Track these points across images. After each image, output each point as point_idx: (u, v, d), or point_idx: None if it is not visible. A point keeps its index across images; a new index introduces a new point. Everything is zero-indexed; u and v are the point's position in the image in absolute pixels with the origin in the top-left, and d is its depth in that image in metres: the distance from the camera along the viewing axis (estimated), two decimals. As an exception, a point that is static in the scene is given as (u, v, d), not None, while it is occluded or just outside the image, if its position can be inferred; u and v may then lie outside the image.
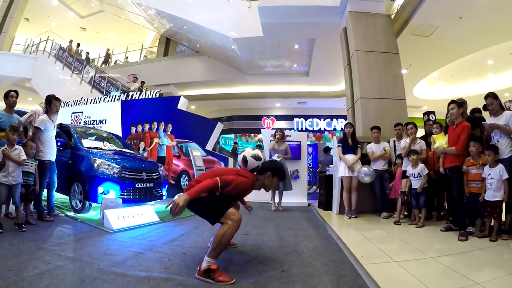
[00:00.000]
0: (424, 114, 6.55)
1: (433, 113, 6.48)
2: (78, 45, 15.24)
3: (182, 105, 8.54)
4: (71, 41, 15.28)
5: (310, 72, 12.55)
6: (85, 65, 13.05)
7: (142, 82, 12.06)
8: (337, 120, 16.65)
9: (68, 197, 5.00)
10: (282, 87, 14.51)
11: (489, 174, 3.46)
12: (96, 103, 9.77)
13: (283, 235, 3.91)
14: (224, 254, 2.69)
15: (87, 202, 4.67)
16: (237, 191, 2.53)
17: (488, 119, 3.81)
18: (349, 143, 5.42)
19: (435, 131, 4.32)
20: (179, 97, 8.62)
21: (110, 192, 4.66)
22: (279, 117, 16.69)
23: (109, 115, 9.13)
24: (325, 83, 13.60)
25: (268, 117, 16.73)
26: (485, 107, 4.03)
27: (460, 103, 3.96)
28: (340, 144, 5.49)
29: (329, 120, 16.69)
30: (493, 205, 3.41)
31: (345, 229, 4.28)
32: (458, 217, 3.75)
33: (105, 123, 9.09)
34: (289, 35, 9.56)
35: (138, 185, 5.03)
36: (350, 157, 5.28)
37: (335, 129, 16.60)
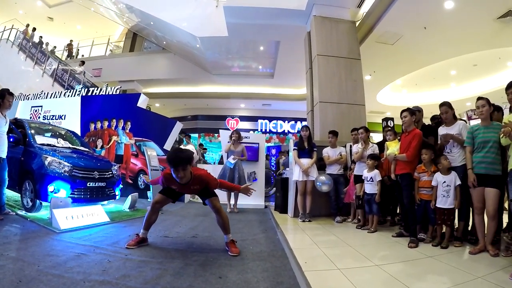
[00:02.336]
0: (383, 120, 6.52)
1: (392, 119, 6.46)
2: (34, 29, 14.15)
3: (142, 102, 8.02)
4: (27, 25, 14.21)
5: (275, 74, 12.37)
6: (48, 57, 12.11)
7: (82, 62, 11.49)
8: (301, 122, 16.58)
9: (19, 195, 4.76)
10: (247, 88, 14.24)
11: (444, 182, 3.39)
12: (56, 97, 9.10)
13: (233, 237, 3.62)
14: (165, 257, 2.77)
15: (37, 200, 4.41)
16: (169, 186, 3.06)
17: (441, 128, 3.71)
18: (305, 147, 5.22)
19: (389, 138, 4.21)
20: (139, 94, 8.13)
21: (60, 191, 4.42)
22: (243, 118, 16.42)
23: (68, 111, 8.51)
24: (289, 85, 13.49)
25: (233, 118, 16.39)
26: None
27: (412, 111, 3.86)
28: (295, 147, 5.29)
29: (293, 122, 16.64)
30: (447, 212, 3.36)
31: (295, 233, 4.11)
32: (409, 223, 3.62)
33: (64, 119, 8.46)
34: (255, 36, 9.30)
35: (89, 184, 4.80)
36: (305, 161, 5.10)
37: (298, 131, 16.59)
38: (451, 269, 2.61)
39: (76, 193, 4.58)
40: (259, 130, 15.96)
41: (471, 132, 3.25)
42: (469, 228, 3.56)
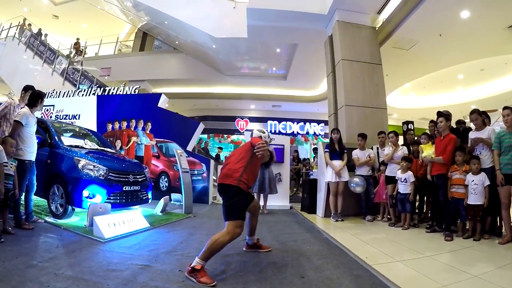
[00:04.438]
0: (403, 123, 6.95)
1: (412, 122, 6.88)
2: (30, 25, 14.46)
3: (163, 103, 8.25)
4: (24, 19, 14.50)
5: (288, 76, 12.77)
6: (58, 55, 12.30)
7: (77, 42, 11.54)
8: (310, 124, 17.10)
9: (45, 201, 4.56)
10: (258, 89, 14.61)
11: (473, 181, 3.87)
12: (69, 96, 9.11)
13: (281, 239, 3.97)
14: (238, 259, 2.82)
15: (69, 206, 4.24)
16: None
17: (472, 133, 4.23)
18: (336, 149, 5.57)
19: (423, 141, 4.62)
20: (160, 94, 8.33)
21: (96, 196, 4.28)
22: (253, 119, 16.76)
23: (83, 110, 8.57)
24: (301, 87, 13.92)
25: (242, 118, 16.77)
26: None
27: (447, 116, 4.31)
28: (327, 150, 5.62)
29: (302, 123, 17.08)
30: (475, 209, 3.83)
31: (338, 232, 4.43)
32: (443, 219, 4.13)
33: (78, 119, 8.52)
34: (273, 38, 9.66)
35: (125, 188, 4.68)
36: (337, 163, 5.44)
37: (307, 132, 17.04)
38: (489, 257, 3.17)
39: (112, 198, 4.45)
40: (269, 131, 16.21)
41: (498, 137, 3.79)
42: (497, 223, 4.13)
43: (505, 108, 3.78)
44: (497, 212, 3.96)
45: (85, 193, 4.21)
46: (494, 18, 6.89)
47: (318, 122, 17.03)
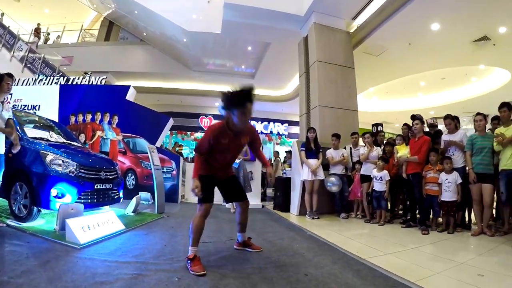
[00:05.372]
0: (373, 125, 7.35)
1: (381, 125, 7.32)
2: None
3: (131, 95, 7.86)
4: None
5: (256, 75, 12.86)
6: (18, 39, 11.26)
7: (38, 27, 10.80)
8: (274, 123, 17.32)
9: (6, 201, 4.05)
10: (225, 87, 14.23)
11: (447, 179, 4.26)
12: (29, 84, 8.50)
13: (267, 238, 3.94)
14: (234, 265, 2.71)
15: (34, 208, 3.77)
16: (217, 142, 2.63)
17: (445, 135, 4.70)
18: (312, 148, 5.71)
19: (398, 143, 4.93)
20: (128, 86, 7.94)
21: (66, 196, 3.85)
22: (217, 117, 16.49)
23: (44, 101, 8.05)
24: (269, 87, 14.09)
25: (206, 116, 16.56)
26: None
27: (422, 120, 4.64)
28: (303, 148, 5.73)
29: (266, 123, 17.32)
30: (449, 205, 4.24)
31: (320, 230, 4.46)
32: (419, 215, 4.50)
33: (38, 109, 7.93)
34: (247, 36, 9.66)
35: (97, 186, 4.28)
36: (313, 162, 5.60)
37: (271, 132, 17.29)
38: (467, 247, 3.59)
39: (83, 197, 4.05)
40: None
41: (471, 140, 4.22)
42: (466, 218, 4.68)
43: (478, 114, 4.24)
44: (466, 207, 4.51)
45: (53, 192, 3.77)
46: (461, 32, 7.54)
47: (282, 122, 17.40)
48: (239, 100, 2.51)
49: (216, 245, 3.39)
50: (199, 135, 16.31)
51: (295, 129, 17.63)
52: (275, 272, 2.53)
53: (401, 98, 14.54)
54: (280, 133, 17.41)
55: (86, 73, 10.75)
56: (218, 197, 3.03)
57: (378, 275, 2.52)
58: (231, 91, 2.53)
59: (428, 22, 7.24)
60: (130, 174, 7.56)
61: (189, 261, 2.49)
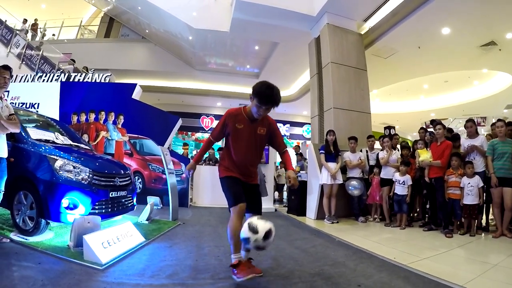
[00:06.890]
0: (385, 128, 7.34)
1: (394, 128, 7.31)
2: None
3: (137, 94, 7.65)
4: None
5: (261, 75, 12.77)
6: (15, 34, 10.97)
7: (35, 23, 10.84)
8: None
9: (7, 211, 3.67)
10: (227, 87, 14.50)
11: (469, 183, 4.40)
12: (27, 81, 8.22)
13: (299, 246, 3.86)
14: (277, 276, 2.58)
15: (42, 220, 3.37)
16: (233, 126, 2.58)
17: (465, 140, 4.82)
18: (332, 151, 5.64)
19: (420, 147, 4.98)
20: (134, 84, 7.67)
21: (79, 207, 3.44)
22: (218, 117, 16.48)
23: (43, 98, 7.72)
24: (273, 87, 13.82)
25: (207, 116, 16.53)
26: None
27: (443, 125, 4.67)
28: (323, 151, 5.64)
29: (267, 123, 17.07)
30: (472, 208, 4.36)
31: (346, 235, 4.41)
32: (441, 218, 4.58)
33: (38, 108, 7.60)
34: (255, 35, 9.62)
35: (112, 194, 3.88)
36: (333, 165, 5.59)
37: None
38: (494, 248, 3.75)
39: (97, 207, 3.66)
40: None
41: (492, 145, 4.39)
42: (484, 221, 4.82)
43: (499, 120, 4.44)
44: (487, 210, 4.72)
45: (65, 202, 3.35)
46: (470, 37, 7.70)
47: (284, 122, 17.32)
48: (268, 98, 2.48)
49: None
50: (200, 135, 16.20)
51: (297, 130, 17.61)
52: (326, 285, 2.44)
53: (402, 100, 14.74)
54: (282, 134, 17.25)
55: (86, 69, 10.50)
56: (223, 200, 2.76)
57: (427, 281, 2.57)
58: (268, 83, 2.55)
59: (439, 26, 7.38)
60: (137, 178, 7.35)
61: (234, 269, 2.42)
